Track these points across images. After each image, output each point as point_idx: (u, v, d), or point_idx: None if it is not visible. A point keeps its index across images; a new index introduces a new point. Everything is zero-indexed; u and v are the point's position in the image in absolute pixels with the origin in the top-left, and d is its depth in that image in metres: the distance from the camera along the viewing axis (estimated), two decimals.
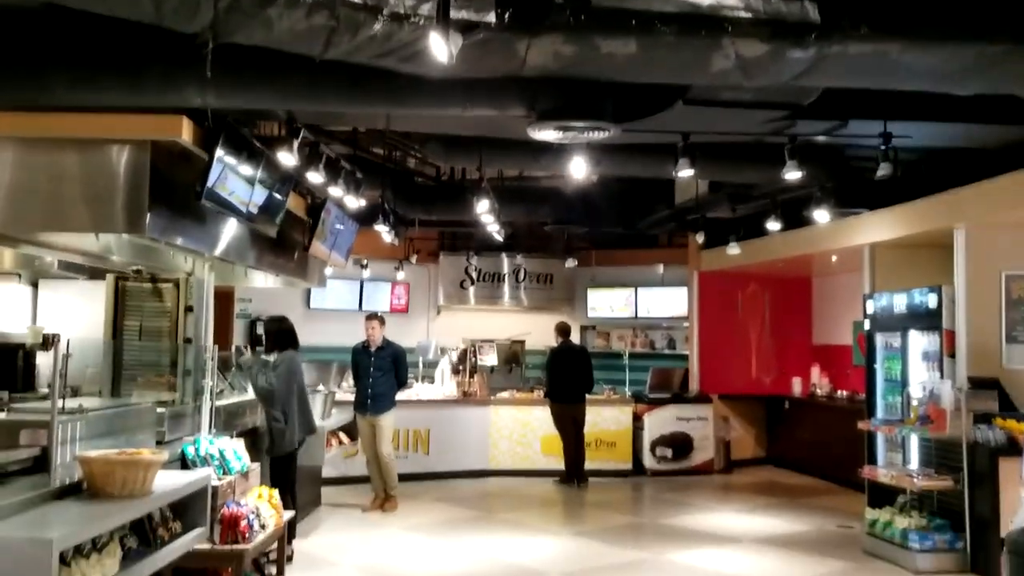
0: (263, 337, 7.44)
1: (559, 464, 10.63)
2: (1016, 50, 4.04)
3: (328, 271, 9.83)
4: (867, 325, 8.44)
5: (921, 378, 7.57)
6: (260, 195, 6.06)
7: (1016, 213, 6.88)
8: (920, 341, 7.78)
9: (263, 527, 5.33)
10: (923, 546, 6.81)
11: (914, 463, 7.58)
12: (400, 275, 13.20)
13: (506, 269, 13.91)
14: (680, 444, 11.47)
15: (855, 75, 4.50)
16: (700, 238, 10.76)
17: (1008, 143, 6.55)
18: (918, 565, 6.76)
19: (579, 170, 6.63)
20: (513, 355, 12.92)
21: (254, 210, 6.03)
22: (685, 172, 6.53)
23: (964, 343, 7.27)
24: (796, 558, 7.24)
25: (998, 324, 7.30)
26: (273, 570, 5.84)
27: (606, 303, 14.02)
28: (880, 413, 8.22)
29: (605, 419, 11.14)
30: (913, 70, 4.24)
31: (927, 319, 7.54)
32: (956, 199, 7.43)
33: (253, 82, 5.02)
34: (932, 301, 7.45)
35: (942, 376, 7.29)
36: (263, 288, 10.47)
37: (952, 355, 7.34)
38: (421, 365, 11.35)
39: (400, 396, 9.18)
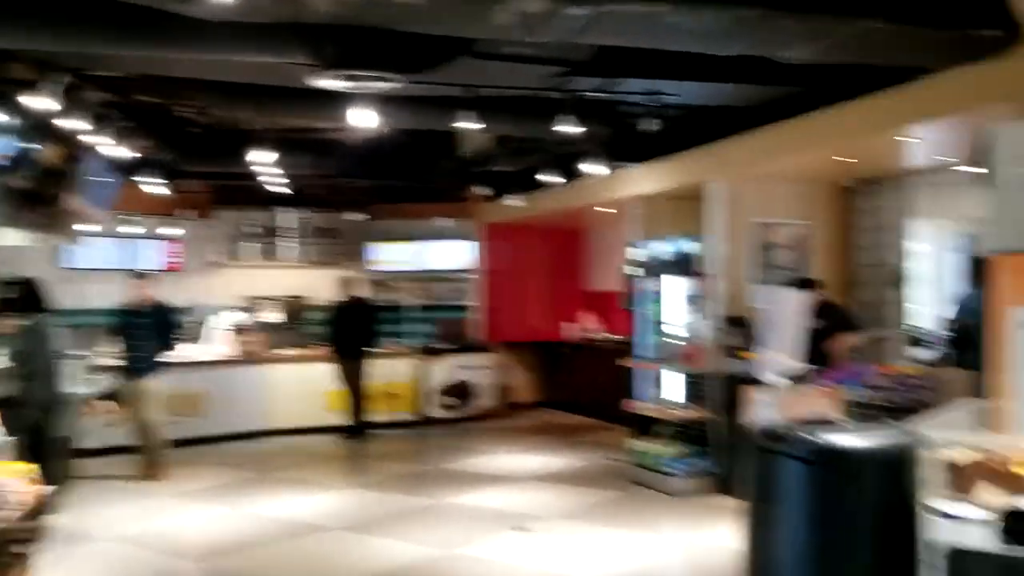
0: (10, 301, 6.83)
1: (344, 419, 10.62)
2: (769, 15, 4.47)
3: (90, 227, 9.13)
4: (633, 271, 9.06)
5: (680, 319, 8.27)
6: (10, 145, 5.53)
7: (765, 166, 7.62)
8: (680, 285, 8.47)
9: (15, 504, 4.94)
10: (679, 471, 7.53)
11: (673, 397, 8.29)
12: (173, 231, 12.48)
13: (287, 223, 13.51)
14: (464, 392, 11.82)
15: (629, 34, 4.79)
16: (484, 191, 11.00)
17: (761, 101, 7.18)
18: (675, 488, 7.48)
19: (364, 122, 6.58)
20: (296, 311, 12.66)
21: (4, 162, 5.51)
22: (469, 125, 6.66)
23: (718, 286, 8.00)
24: (569, 491, 7.75)
25: (748, 268, 8.10)
26: (29, 549, 5.44)
27: (391, 256, 14.00)
28: (643, 352, 8.89)
29: (391, 372, 11.24)
30: (681, 30, 4.57)
31: (686, 265, 8.22)
32: (713, 154, 8.09)
33: (4, 20, 4.56)
34: (691, 248, 8.13)
35: (699, 316, 7.99)
36: (15, 246, 9.52)
37: (708, 297, 8.06)
38: (196, 325, 10.86)
39: (172, 358, 8.79)
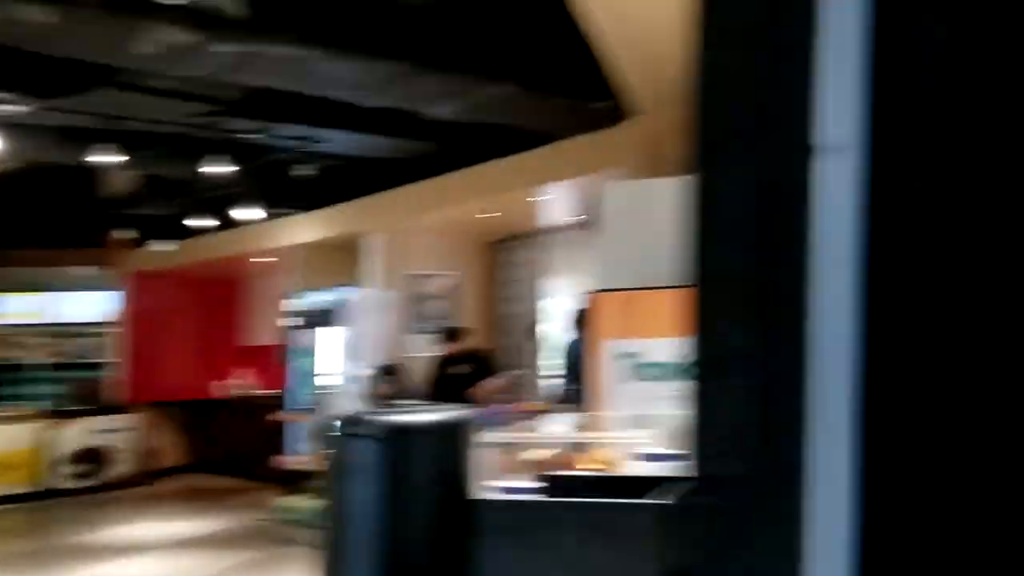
0: None
1: None
2: (416, 71, 4.79)
3: None
4: (288, 323, 8.98)
5: (336, 369, 8.32)
6: None
7: (416, 219, 8.01)
8: (336, 335, 8.53)
9: None
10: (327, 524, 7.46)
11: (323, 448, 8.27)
12: None
13: None
14: (99, 458, 10.77)
15: (280, 76, 4.87)
16: (128, 236, 10.28)
17: (416, 155, 7.54)
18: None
19: None
20: None
21: None
22: (109, 159, 6.28)
23: (371, 335, 8.18)
24: (210, 556, 7.35)
25: (401, 318, 8.37)
26: None
27: (14, 308, 12.49)
28: (295, 405, 8.79)
29: (8, 438, 9.95)
30: (332, 77, 4.75)
31: (342, 315, 8.32)
32: (369, 205, 8.31)
33: None
34: (346, 299, 8.26)
35: (353, 365, 8.11)
36: None
37: (363, 347, 8.20)
38: None
39: None
